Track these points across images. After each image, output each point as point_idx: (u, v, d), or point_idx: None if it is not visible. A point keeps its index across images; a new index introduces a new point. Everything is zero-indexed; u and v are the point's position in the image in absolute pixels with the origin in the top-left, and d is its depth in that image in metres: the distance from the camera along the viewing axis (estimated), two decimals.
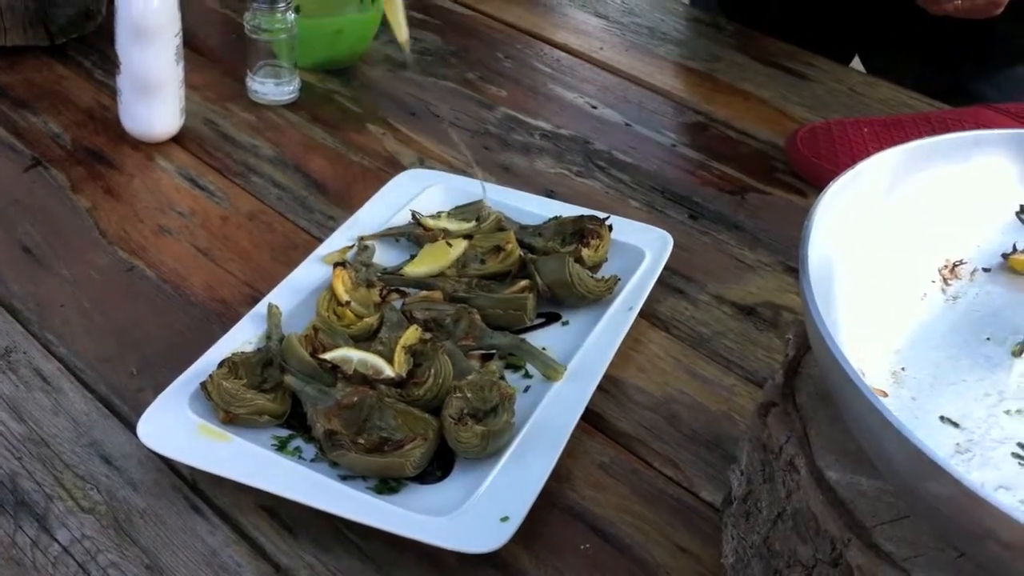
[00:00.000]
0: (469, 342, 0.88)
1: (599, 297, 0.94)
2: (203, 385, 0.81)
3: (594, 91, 1.33)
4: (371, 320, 0.89)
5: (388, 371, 0.83)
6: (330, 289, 0.90)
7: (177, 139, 1.16)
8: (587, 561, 0.75)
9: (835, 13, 1.49)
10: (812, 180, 1.16)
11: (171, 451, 0.77)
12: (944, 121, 1.20)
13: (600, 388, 0.86)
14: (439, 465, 0.79)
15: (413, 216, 1.01)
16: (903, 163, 0.71)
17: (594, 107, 1.30)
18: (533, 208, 1.04)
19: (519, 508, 0.74)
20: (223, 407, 0.80)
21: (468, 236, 0.98)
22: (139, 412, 0.79)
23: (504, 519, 0.73)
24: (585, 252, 0.96)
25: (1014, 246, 0.75)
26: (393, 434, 0.78)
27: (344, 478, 0.77)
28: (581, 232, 0.99)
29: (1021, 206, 0.76)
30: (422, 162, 1.16)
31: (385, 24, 1.34)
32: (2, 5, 1.24)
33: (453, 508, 0.74)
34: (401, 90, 1.30)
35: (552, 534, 0.76)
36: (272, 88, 1.23)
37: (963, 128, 1.16)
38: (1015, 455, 0.61)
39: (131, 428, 0.80)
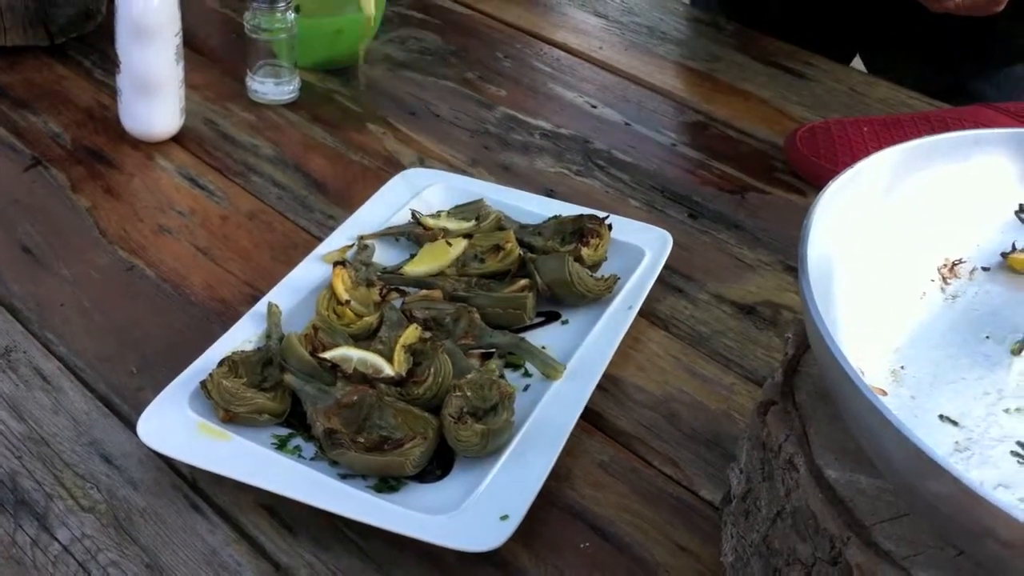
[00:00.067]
0: (469, 341, 0.88)
1: (599, 296, 0.94)
2: (203, 384, 0.81)
3: (594, 90, 1.33)
4: (371, 319, 0.89)
5: (388, 370, 0.83)
6: (330, 288, 0.91)
7: (177, 139, 1.16)
8: (587, 560, 0.75)
9: (835, 12, 1.49)
10: (811, 179, 1.16)
11: (171, 450, 0.77)
12: (944, 120, 1.20)
13: (600, 387, 0.86)
14: (439, 464, 0.79)
15: (413, 215, 1.01)
16: (902, 162, 0.71)
17: (594, 106, 1.30)
18: (533, 207, 1.04)
19: (519, 507, 0.74)
20: (223, 406, 0.80)
21: (468, 235, 0.98)
22: (139, 411, 0.80)
23: (504, 518, 0.73)
24: (585, 251, 0.96)
25: (1013, 245, 0.75)
26: (393, 433, 0.78)
27: (344, 477, 0.77)
28: (581, 231, 0.99)
29: (1020, 205, 0.76)
30: (422, 161, 1.16)
31: (382, 24, 1.35)
32: (2, 5, 1.24)
33: (453, 507, 0.74)
34: (401, 90, 1.30)
35: (552, 533, 0.76)
36: (272, 88, 1.24)
37: (963, 127, 1.16)
38: (1014, 453, 0.61)
39: (131, 427, 0.80)
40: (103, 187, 1.09)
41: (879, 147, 0.71)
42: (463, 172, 1.14)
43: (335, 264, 0.92)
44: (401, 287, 0.94)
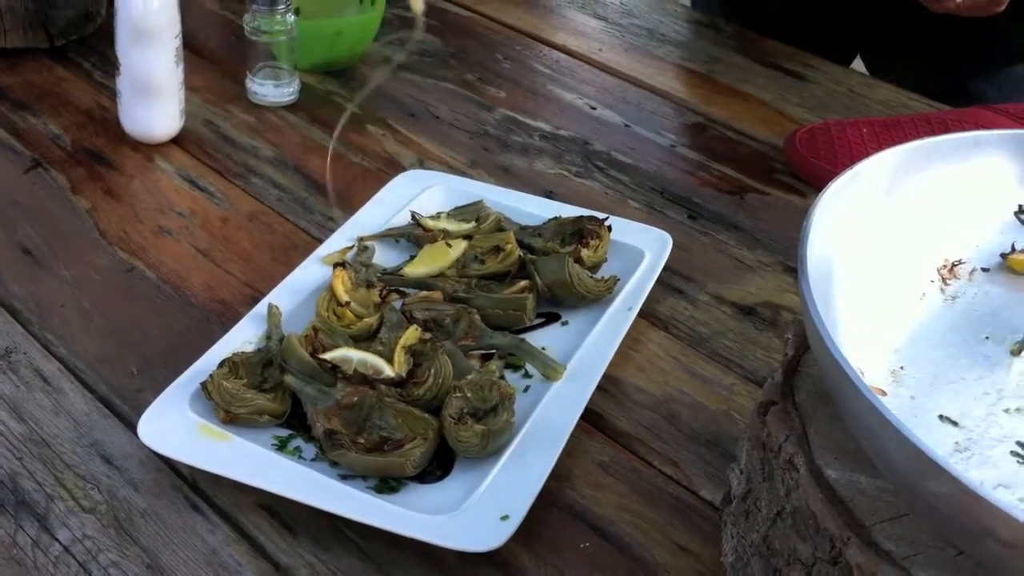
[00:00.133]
0: (469, 342, 0.88)
1: (598, 297, 0.94)
2: (203, 385, 0.81)
3: (593, 92, 1.33)
4: (371, 320, 0.89)
5: (388, 371, 0.83)
6: (330, 289, 0.91)
7: (177, 140, 1.16)
8: (587, 560, 0.75)
9: (836, 13, 1.49)
10: (811, 181, 1.16)
11: (171, 451, 0.78)
12: (943, 122, 1.20)
13: (600, 388, 0.86)
14: (439, 464, 0.79)
15: (413, 217, 1.01)
16: (902, 163, 0.71)
17: (593, 108, 1.30)
18: (532, 209, 1.04)
19: (519, 507, 0.74)
20: (223, 407, 0.80)
21: (468, 236, 0.98)
22: (139, 412, 0.80)
23: (504, 518, 0.73)
24: (584, 252, 0.96)
25: (1013, 246, 0.76)
26: (393, 434, 0.78)
27: (344, 477, 0.77)
28: (580, 232, 0.99)
29: (1020, 206, 0.76)
30: (421, 163, 1.16)
31: (382, 25, 1.35)
32: (2, 7, 1.25)
33: (453, 507, 0.74)
34: (400, 91, 1.30)
35: (552, 533, 0.76)
36: (272, 89, 1.24)
37: (962, 129, 1.16)
38: (1014, 453, 0.61)
39: (131, 428, 0.80)
40: (103, 189, 1.09)
41: (879, 148, 0.71)
42: (463, 174, 1.14)
43: (335, 265, 0.92)
44: (401, 288, 0.94)
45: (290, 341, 0.84)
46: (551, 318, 0.94)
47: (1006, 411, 0.64)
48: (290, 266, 0.96)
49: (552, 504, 0.78)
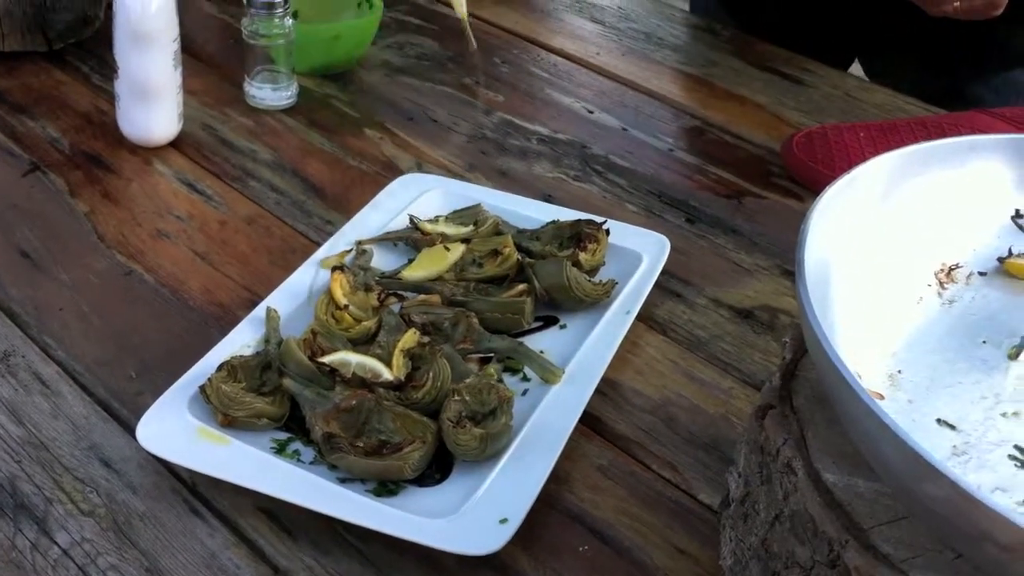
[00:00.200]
0: (467, 345, 0.88)
1: (596, 301, 0.94)
2: (202, 388, 0.81)
3: (591, 96, 1.33)
4: (369, 324, 0.89)
5: (386, 374, 0.83)
6: (328, 293, 0.91)
7: (175, 144, 1.16)
8: (586, 563, 0.75)
9: (833, 17, 1.49)
10: (808, 184, 1.16)
11: (170, 454, 0.78)
12: (940, 126, 1.20)
13: (598, 391, 0.86)
14: (438, 468, 0.79)
15: (411, 220, 1.01)
16: (899, 168, 0.72)
17: (591, 112, 1.30)
18: (530, 212, 1.05)
19: (518, 510, 0.74)
20: (222, 410, 0.80)
21: (466, 240, 0.98)
22: (138, 415, 0.80)
23: (503, 521, 0.73)
24: (582, 256, 0.97)
25: (1010, 250, 0.76)
26: (392, 437, 0.78)
27: (343, 481, 0.77)
28: (578, 236, 0.99)
29: (1017, 210, 0.77)
30: (420, 166, 1.16)
31: (380, 29, 1.35)
32: (0, 11, 1.25)
33: (452, 510, 0.74)
34: (398, 95, 1.30)
35: (551, 536, 0.76)
36: (270, 93, 1.24)
37: (959, 133, 1.16)
38: (1012, 457, 0.62)
39: (130, 431, 0.80)
40: (101, 192, 1.09)
41: (876, 152, 0.71)
42: (461, 177, 1.14)
43: (333, 269, 0.92)
44: (399, 292, 0.95)
45: (288, 344, 0.84)
46: (549, 321, 0.94)
47: (1003, 415, 0.65)
48: (288, 269, 0.96)
49: (551, 507, 0.78)
